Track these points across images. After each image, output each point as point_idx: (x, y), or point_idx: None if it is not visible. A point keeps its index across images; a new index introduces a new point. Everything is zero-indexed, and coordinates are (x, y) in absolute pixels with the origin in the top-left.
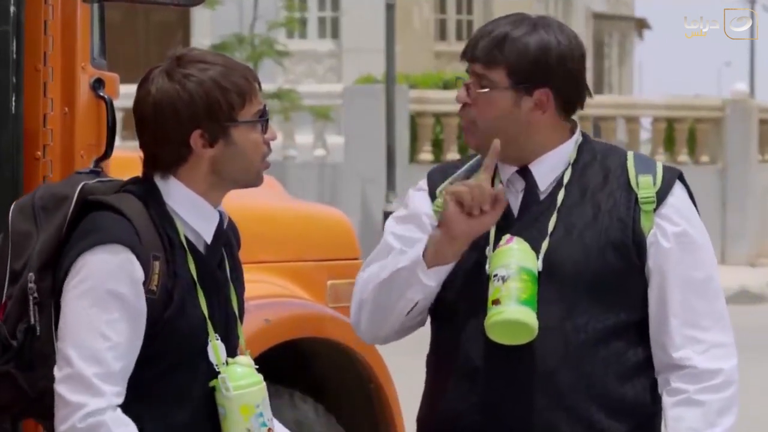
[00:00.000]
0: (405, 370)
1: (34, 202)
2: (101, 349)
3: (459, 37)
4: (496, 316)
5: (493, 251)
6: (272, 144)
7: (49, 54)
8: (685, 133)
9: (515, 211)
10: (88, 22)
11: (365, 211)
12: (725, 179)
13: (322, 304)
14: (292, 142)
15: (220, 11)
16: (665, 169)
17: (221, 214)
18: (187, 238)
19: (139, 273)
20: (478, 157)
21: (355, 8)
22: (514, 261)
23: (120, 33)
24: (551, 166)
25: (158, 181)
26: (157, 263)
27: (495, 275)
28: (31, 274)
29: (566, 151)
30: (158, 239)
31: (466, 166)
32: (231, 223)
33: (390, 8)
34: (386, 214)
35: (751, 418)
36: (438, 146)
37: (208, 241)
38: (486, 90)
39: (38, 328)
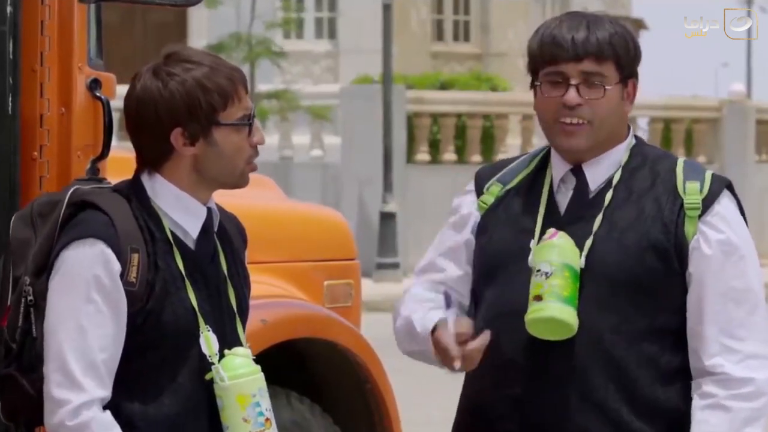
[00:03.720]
0: (401, 370)
1: (32, 210)
2: (82, 342)
3: (456, 38)
4: (536, 312)
5: (537, 245)
6: (269, 145)
7: (46, 54)
8: (683, 134)
9: (562, 209)
10: (84, 23)
11: (362, 211)
12: None
13: (318, 304)
14: (289, 143)
15: (217, 12)
16: (714, 177)
17: (211, 211)
18: (173, 233)
19: (115, 264)
20: (528, 154)
21: (352, 9)
22: (558, 257)
23: (117, 33)
24: (604, 167)
25: (144, 179)
26: (135, 255)
27: (538, 270)
28: (26, 277)
29: (619, 153)
30: (138, 232)
31: (514, 164)
32: (236, 221)
33: (387, 9)
34: (383, 215)
35: None
36: (435, 147)
37: (194, 236)
38: (603, 86)
39: (34, 330)
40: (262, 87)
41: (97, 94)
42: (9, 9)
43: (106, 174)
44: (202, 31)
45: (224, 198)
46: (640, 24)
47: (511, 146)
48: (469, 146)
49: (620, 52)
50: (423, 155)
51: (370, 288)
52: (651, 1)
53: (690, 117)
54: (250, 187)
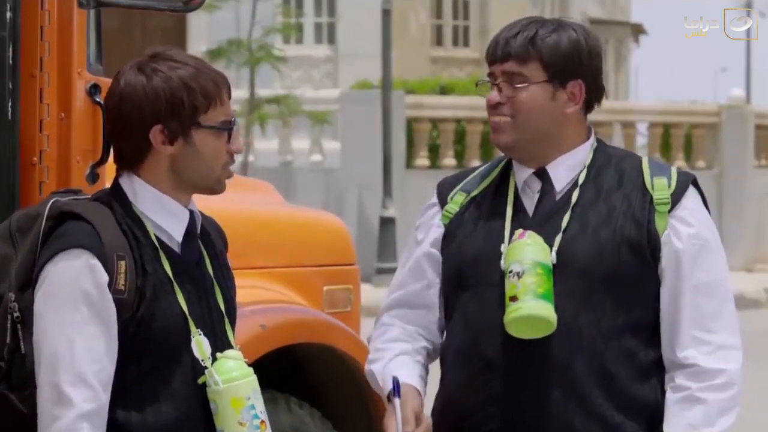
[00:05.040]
0: None
1: (11, 226)
2: (71, 355)
3: (455, 43)
4: (514, 312)
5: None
6: (269, 150)
7: (46, 60)
8: (682, 139)
9: (530, 211)
10: (84, 28)
11: (362, 216)
12: (721, 184)
13: (318, 309)
14: (289, 148)
15: (216, 17)
16: (680, 173)
17: (194, 213)
18: (158, 238)
19: (102, 274)
20: (491, 162)
21: (351, 14)
22: (528, 256)
23: (116, 38)
24: (568, 168)
25: (124, 184)
26: (122, 263)
27: (510, 271)
28: (10, 293)
29: (582, 153)
30: (123, 239)
31: (476, 173)
32: (215, 224)
33: (386, 14)
34: (383, 220)
35: (747, 421)
36: (434, 152)
37: (179, 239)
38: (524, 85)
39: (23, 347)
40: (261, 92)
41: (97, 99)
42: (9, 14)
43: (107, 178)
44: (201, 36)
45: (223, 204)
46: (639, 29)
47: None
48: (468, 151)
49: (545, 52)
50: (422, 160)
51: (369, 293)
52: (650, 6)
53: (689, 122)
54: (249, 192)
